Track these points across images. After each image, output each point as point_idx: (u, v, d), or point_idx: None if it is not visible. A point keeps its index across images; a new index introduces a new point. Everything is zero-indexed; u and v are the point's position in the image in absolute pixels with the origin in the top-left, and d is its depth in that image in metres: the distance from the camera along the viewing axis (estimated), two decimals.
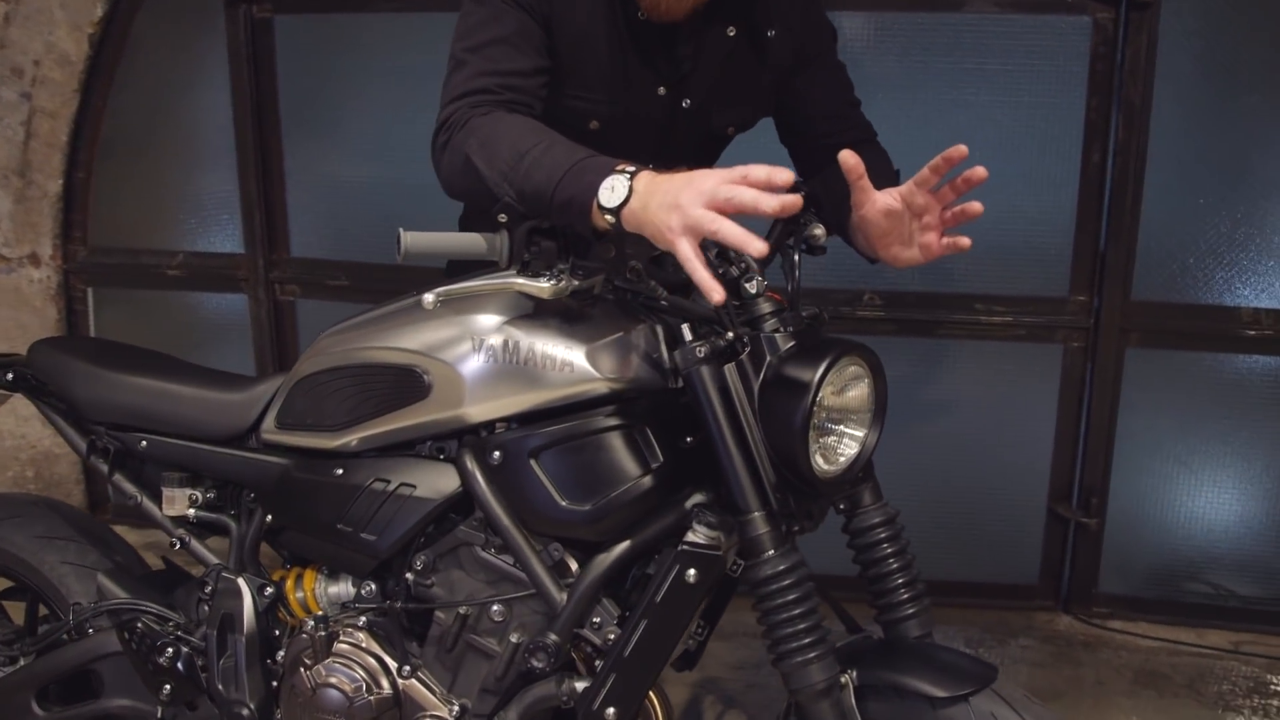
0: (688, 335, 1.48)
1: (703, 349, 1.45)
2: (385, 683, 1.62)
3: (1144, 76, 2.73)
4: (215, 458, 1.76)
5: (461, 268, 1.86)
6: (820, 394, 1.42)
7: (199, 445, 1.77)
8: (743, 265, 1.45)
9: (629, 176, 1.37)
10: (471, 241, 1.48)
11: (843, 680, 1.47)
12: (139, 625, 1.77)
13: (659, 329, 1.56)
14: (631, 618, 1.51)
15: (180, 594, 1.87)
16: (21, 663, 1.91)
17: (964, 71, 2.84)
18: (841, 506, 1.60)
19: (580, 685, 1.56)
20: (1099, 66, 2.78)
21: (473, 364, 1.53)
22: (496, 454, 1.54)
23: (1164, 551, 3.08)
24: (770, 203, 1.25)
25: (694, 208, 1.28)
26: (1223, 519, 3.03)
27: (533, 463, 1.53)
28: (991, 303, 2.96)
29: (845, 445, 1.52)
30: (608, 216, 1.37)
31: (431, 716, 1.61)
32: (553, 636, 1.53)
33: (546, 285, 1.45)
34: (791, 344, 1.45)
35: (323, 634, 1.62)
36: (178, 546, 1.80)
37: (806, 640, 1.45)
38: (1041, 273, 2.93)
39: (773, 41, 1.74)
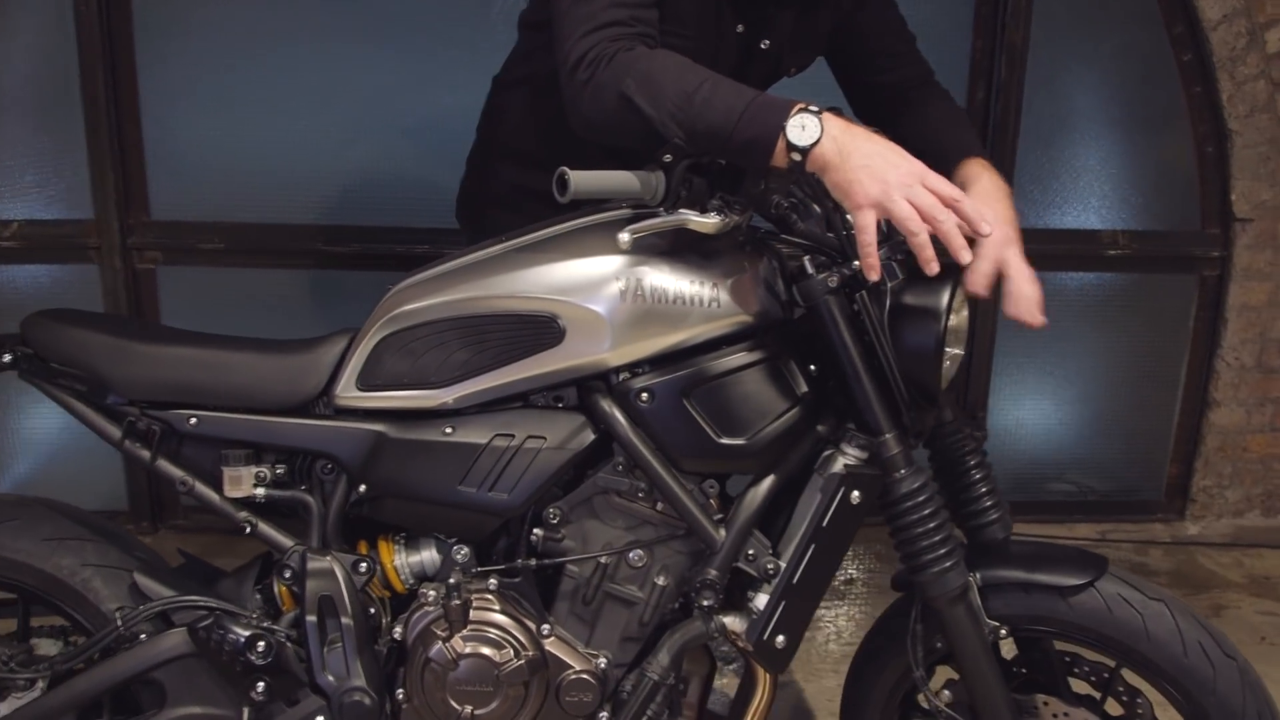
0: (811, 268, 1.51)
1: (833, 279, 1.49)
2: (529, 644, 1.55)
3: (1024, 19, 2.97)
4: (286, 429, 1.60)
5: None
6: (950, 317, 1.51)
7: (264, 417, 1.60)
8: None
9: (816, 115, 1.38)
10: (627, 180, 1.43)
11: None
12: (210, 622, 1.59)
13: (775, 262, 1.58)
14: (798, 545, 1.53)
15: (227, 585, 1.69)
16: (40, 685, 1.67)
17: None
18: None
19: (729, 620, 1.56)
20: (984, 10, 3.00)
21: (616, 306, 1.49)
22: (644, 396, 1.50)
23: (1033, 457, 3.41)
24: (968, 256, 1.34)
25: (900, 197, 1.33)
26: (1083, 424, 3.39)
27: (685, 402, 1.51)
28: None
29: (951, 363, 1.60)
30: (794, 155, 1.38)
31: (579, 673, 1.57)
32: (713, 572, 1.53)
33: (715, 220, 1.44)
34: (908, 270, 1.52)
35: (457, 602, 1.53)
36: (248, 530, 1.62)
37: (942, 551, 1.54)
38: None
39: None
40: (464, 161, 2.05)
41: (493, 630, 1.56)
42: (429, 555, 1.64)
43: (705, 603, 1.53)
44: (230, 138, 2.99)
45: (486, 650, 1.55)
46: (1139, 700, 1.64)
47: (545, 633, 1.57)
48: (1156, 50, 3.03)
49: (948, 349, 1.58)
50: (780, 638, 1.54)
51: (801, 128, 1.38)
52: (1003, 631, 1.60)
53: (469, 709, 1.56)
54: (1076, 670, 1.68)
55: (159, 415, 1.62)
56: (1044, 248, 3.17)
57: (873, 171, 1.35)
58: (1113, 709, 1.67)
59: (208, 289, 3.07)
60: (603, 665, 1.58)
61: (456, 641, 1.55)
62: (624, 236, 1.39)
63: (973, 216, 1.36)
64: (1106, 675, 1.66)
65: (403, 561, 1.64)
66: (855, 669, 1.79)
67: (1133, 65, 3.07)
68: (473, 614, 1.56)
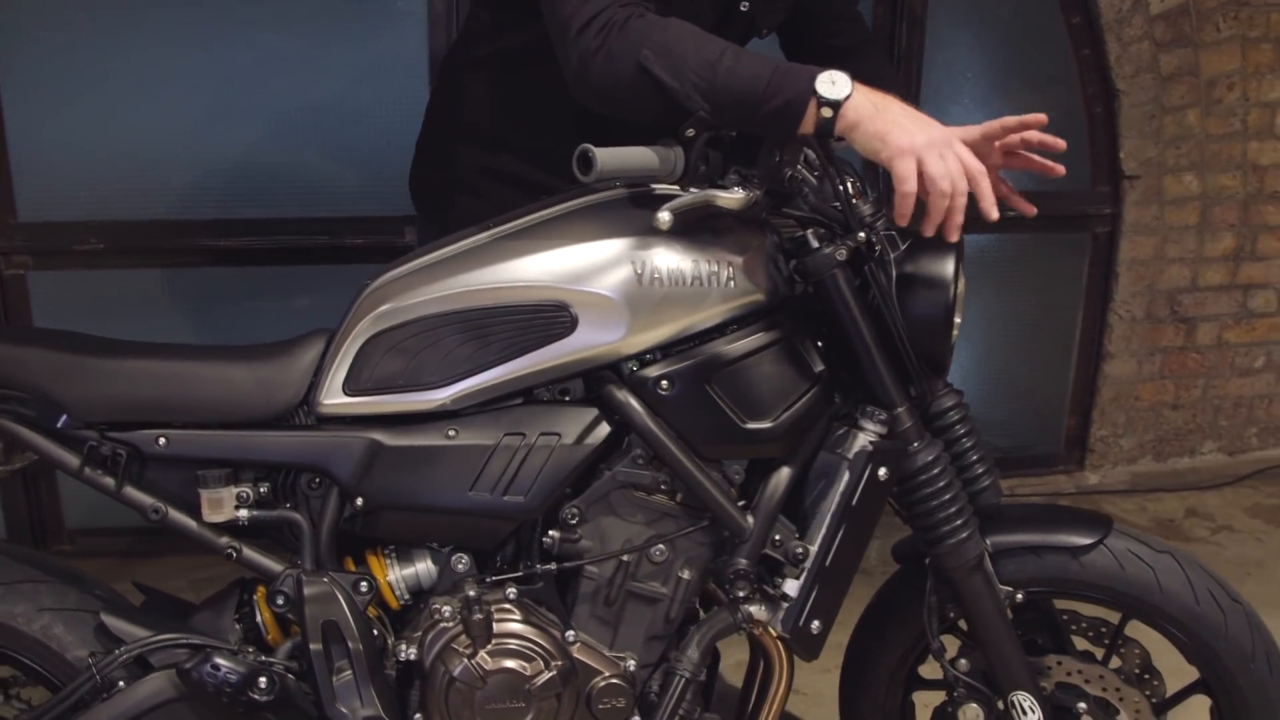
0: (814, 241, 1.48)
1: (840, 253, 1.46)
2: (557, 653, 1.47)
3: None
4: (268, 443, 1.46)
5: None
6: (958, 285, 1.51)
7: (241, 432, 1.46)
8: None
9: (843, 73, 1.35)
10: (649, 157, 1.36)
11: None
12: (198, 661, 1.44)
13: (776, 237, 1.54)
14: (829, 527, 1.49)
15: (203, 618, 1.54)
16: None
17: None
18: None
19: (754, 609, 1.51)
20: None
21: (631, 290, 1.41)
22: (665, 384, 1.44)
23: None
24: (995, 214, 1.37)
25: (937, 155, 1.32)
26: (983, 382, 3.47)
27: (708, 387, 1.45)
28: None
29: (956, 331, 1.60)
30: (825, 111, 1.34)
31: (609, 679, 1.49)
32: (744, 562, 1.48)
33: (740, 195, 1.39)
34: (909, 241, 1.51)
35: (479, 616, 1.43)
36: (233, 557, 1.48)
37: (959, 521, 1.54)
38: None
39: None
40: (356, 148, 1.92)
41: (517, 642, 1.46)
42: (424, 567, 1.54)
43: (740, 593, 1.47)
44: (104, 128, 2.74)
45: (514, 664, 1.46)
46: (1137, 652, 1.67)
47: (571, 639, 1.49)
48: (1047, 13, 3.11)
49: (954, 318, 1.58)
50: (815, 623, 1.50)
51: (832, 83, 1.35)
52: (1018, 596, 1.61)
53: None
54: (1075, 627, 1.71)
55: (122, 437, 1.45)
56: None
57: (908, 126, 1.34)
58: (1112, 662, 1.69)
59: (87, 294, 2.81)
60: (631, 668, 1.51)
61: (482, 657, 1.45)
62: (664, 216, 1.32)
63: (988, 194, 1.35)
64: (1104, 630, 1.68)
65: (397, 576, 1.53)
66: (857, 645, 1.77)
67: (1024, 28, 3.14)
68: (499, 626, 1.46)
